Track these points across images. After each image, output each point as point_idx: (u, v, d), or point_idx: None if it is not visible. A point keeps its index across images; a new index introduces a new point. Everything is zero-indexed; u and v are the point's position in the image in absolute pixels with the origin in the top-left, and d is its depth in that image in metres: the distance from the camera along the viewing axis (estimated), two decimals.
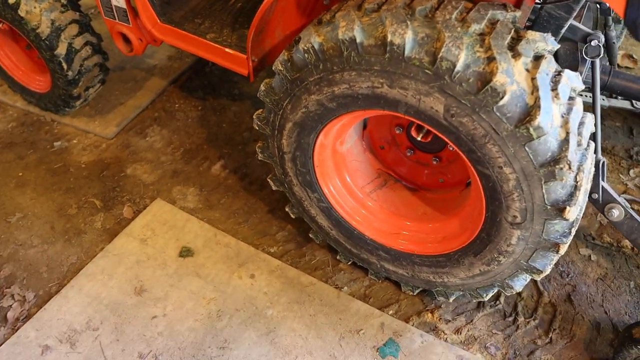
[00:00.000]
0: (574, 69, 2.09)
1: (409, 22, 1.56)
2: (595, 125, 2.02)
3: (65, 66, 2.87)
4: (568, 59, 2.11)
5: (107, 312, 2.35)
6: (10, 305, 2.41)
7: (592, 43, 1.95)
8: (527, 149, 1.55)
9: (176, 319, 2.32)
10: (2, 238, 2.68)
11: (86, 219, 2.77)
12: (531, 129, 1.50)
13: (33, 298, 2.44)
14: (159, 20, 2.58)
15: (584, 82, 2.16)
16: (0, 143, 3.20)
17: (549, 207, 1.65)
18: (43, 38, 2.76)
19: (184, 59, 3.73)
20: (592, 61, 2.04)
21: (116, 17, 2.75)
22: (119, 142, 3.19)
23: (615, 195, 2.11)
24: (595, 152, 2.03)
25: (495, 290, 2.12)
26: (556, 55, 2.11)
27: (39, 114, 3.36)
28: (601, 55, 1.96)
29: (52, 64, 2.89)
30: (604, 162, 2.08)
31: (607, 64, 2.65)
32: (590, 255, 2.59)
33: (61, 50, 2.82)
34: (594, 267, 2.55)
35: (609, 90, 2.52)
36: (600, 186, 2.10)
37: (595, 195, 2.12)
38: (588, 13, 2.23)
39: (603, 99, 2.82)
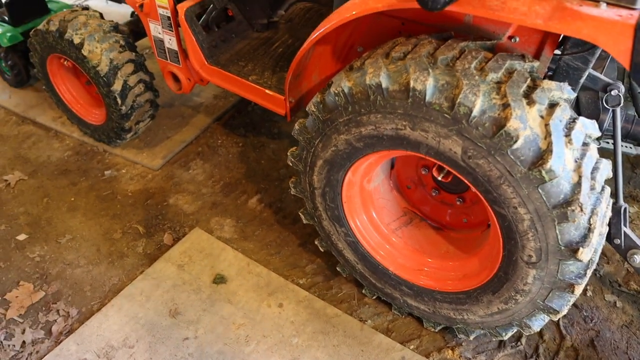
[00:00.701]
0: (596, 117, 2.17)
1: (430, 70, 1.69)
2: (616, 171, 2.08)
3: (119, 101, 3.11)
4: (590, 107, 2.19)
5: (143, 332, 2.49)
6: (55, 320, 2.58)
7: (613, 92, 2.02)
8: (540, 190, 1.63)
9: (206, 342, 2.44)
10: (52, 257, 2.88)
11: (129, 244, 2.95)
12: (543, 172, 1.59)
13: (76, 314, 2.61)
14: (206, 62, 2.79)
15: (607, 131, 2.24)
16: (57, 169, 3.45)
17: (562, 247, 1.71)
18: (102, 75, 3.02)
19: (228, 98, 3.95)
20: (613, 110, 2.11)
21: (168, 58, 2.99)
22: (164, 174, 3.39)
23: (638, 241, 2.14)
24: (617, 197, 2.09)
25: (515, 330, 2.16)
26: (578, 104, 2.20)
27: (93, 145, 3.62)
28: (621, 104, 2.03)
29: (108, 98, 3.13)
30: (626, 208, 2.12)
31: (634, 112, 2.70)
32: (615, 302, 2.59)
33: (117, 86, 3.06)
34: (619, 313, 2.55)
35: (632, 139, 2.57)
36: (622, 232, 2.14)
37: (617, 241, 2.16)
38: (612, 64, 2.31)
39: (630, 147, 2.86)
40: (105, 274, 2.80)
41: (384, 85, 1.76)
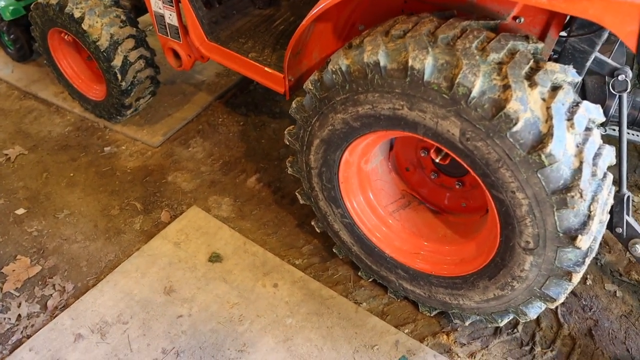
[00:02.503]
0: (602, 102, 2.12)
1: (430, 49, 1.64)
2: (620, 158, 2.04)
3: (119, 77, 3.07)
4: (596, 92, 2.14)
5: (137, 308, 2.48)
6: (51, 294, 2.58)
7: (620, 78, 1.97)
8: (539, 175, 1.59)
9: (200, 320, 2.43)
10: (50, 232, 2.88)
11: (126, 220, 2.93)
12: (543, 156, 1.55)
13: (72, 289, 2.60)
14: (206, 39, 2.74)
15: (613, 117, 2.18)
16: (57, 145, 3.43)
17: (561, 234, 1.68)
18: (102, 50, 2.98)
19: (230, 77, 3.91)
20: (619, 95, 2.06)
21: (168, 34, 2.95)
22: (163, 151, 3.37)
23: None
24: (620, 185, 2.05)
25: (511, 317, 2.14)
26: (584, 89, 2.15)
27: (94, 120, 3.59)
28: (629, 90, 1.98)
29: (108, 74, 3.10)
30: (629, 197, 2.08)
31: None
32: (615, 292, 2.56)
33: (117, 62, 3.03)
34: (618, 303, 2.52)
35: (638, 126, 2.51)
36: (625, 220, 2.10)
37: (619, 230, 2.12)
38: (621, 48, 2.25)
39: (636, 135, 2.80)
40: (102, 249, 2.79)
41: (382, 64, 1.72)
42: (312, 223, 2.59)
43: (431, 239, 2.32)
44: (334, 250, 2.60)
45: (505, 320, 2.16)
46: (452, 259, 2.20)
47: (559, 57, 1.92)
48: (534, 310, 2.02)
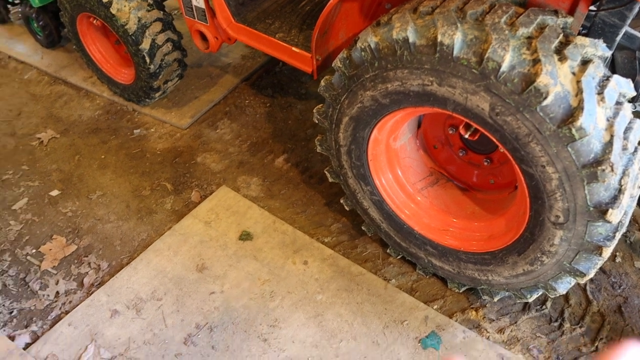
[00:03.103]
0: (632, 77, 2.10)
1: (459, 25, 1.65)
2: None
3: (148, 60, 3.12)
4: (626, 67, 2.12)
5: (171, 285, 2.55)
6: (87, 272, 2.66)
7: None
8: (569, 149, 1.59)
9: (232, 297, 2.49)
10: (84, 212, 2.96)
11: (158, 200, 3.00)
12: (573, 130, 1.55)
13: (107, 267, 2.68)
14: (233, 20, 2.77)
15: None
16: (87, 128, 3.51)
17: (591, 208, 1.68)
18: (130, 34, 3.03)
19: (256, 59, 3.94)
20: None
21: (195, 17, 2.98)
22: (192, 133, 3.42)
23: None
24: None
25: (540, 292, 2.15)
26: (614, 64, 2.13)
27: (122, 104, 3.66)
28: None
29: (137, 57, 3.15)
30: None
31: None
32: None
33: (145, 45, 3.08)
34: None
35: None
36: None
37: None
38: None
39: None
40: (135, 229, 2.86)
41: (411, 40, 1.73)
42: (341, 201, 2.62)
43: (460, 215, 2.34)
44: (362, 227, 2.64)
45: (534, 296, 2.17)
46: (481, 235, 2.22)
47: (588, 31, 1.91)
48: (564, 285, 2.03)
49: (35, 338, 2.40)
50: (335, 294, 2.48)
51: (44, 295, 2.57)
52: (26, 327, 2.46)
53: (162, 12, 3.15)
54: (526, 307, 2.42)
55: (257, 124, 3.45)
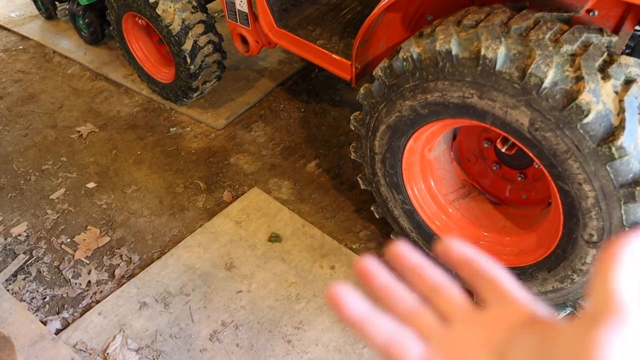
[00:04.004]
0: None
1: (503, 39, 1.67)
2: None
3: (189, 60, 3.20)
4: None
5: (199, 282, 2.60)
6: (119, 264, 2.72)
7: None
8: (608, 168, 1.60)
9: (259, 296, 2.53)
10: (118, 206, 3.03)
11: (190, 198, 3.06)
12: (613, 149, 1.55)
13: (138, 260, 2.74)
14: (275, 25, 2.82)
15: None
16: (125, 124, 3.60)
17: (627, 228, 1.68)
18: (174, 34, 3.10)
19: (292, 64, 3.99)
20: None
21: (238, 20, 3.04)
22: (226, 134, 3.48)
23: None
24: None
25: (568, 311, 2.14)
26: None
27: (160, 102, 3.74)
28: None
29: (178, 57, 3.23)
30: None
31: None
32: None
33: (187, 46, 3.15)
34: None
35: None
36: None
37: None
38: None
39: None
40: (167, 225, 2.92)
41: (454, 52, 1.75)
42: (372, 208, 2.64)
43: (490, 229, 2.34)
44: (391, 236, 2.65)
45: (563, 315, 2.16)
46: (511, 250, 2.22)
47: (632, 51, 1.91)
48: None
49: (66, 324, 2.47)
50: None
51: (76, 284, 2.64)
52: (58, 313, 2.53)
53: (205, 15, 3.22)
54: None
55: (291, 129, 3.49)
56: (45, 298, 2.59)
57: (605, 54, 1.63)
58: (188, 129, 3.54)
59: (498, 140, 2.04)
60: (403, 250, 0.54)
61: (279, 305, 2.50)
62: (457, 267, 0.53)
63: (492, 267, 0.51)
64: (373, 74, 2.09)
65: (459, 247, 0.53)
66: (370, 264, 0.54)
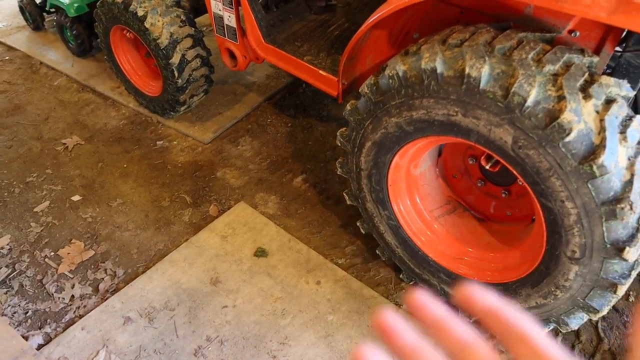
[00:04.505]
0: None
1: (487, 58, 1.70)
2: None
3: (176, 74, 3.20)
4: None
5: (184, 296, 2.58)
6: (103, 278, 2.70)
7: None
8: (589, 185, 1.62)
9: (244, 312, 2.52)
10: (103, 219, 3.01)
11: (176, 212, 3.05)
12: (594, 167, 1.58)
13: (122, 274, 2.72)
14: (263, 41, 2.84)
15: None
16: (112, 137, 3.59)
17: (608, 245, 1.70)
18: (162, 47, 3.11)
19: (280, 79, 4.02)
20: None
21: (226, 35, 3.06)
22: (213, 147, 3.48)
23: None
24: None
25: (551, 327, 2.15)
26: (636, 104, 2.16)
27: (147, 115, 3.74)
28: None
29: (166, 71, 3.23)
30: None
31: None
32: None
33: (175, 59, 3.16)
34: None
35: None
36: None
37: None
38: None
39: None
40: (152, 239, 2.91)
41: (439, 71, 1.77)
42: (358, 224, 2.65)
43: (475, 245, 2.36)
44: (377, 251, 2.66)
45: (546, 330, 2.18)
46: (496, 266, 2.23)
47: (613, 71, 1.95)
48: (576, 321, 2.04)
49: (48, 340, 2.44)
50: (347, 316, 2.50)
51: (59, 298, 2.61)
52: (40, 328, 2.49)
53: (193, 29, 3.23)
54: None
55: (278, 143, 3.50)
56: (27, 312, 2.55)
57: (587, 74, 1.66)
58: (175, 142, 3.54)
59: (482, 158, 2.06)
60: (425, 301, 0.51)
61: (265, 320, 2.49)
62: (481, 317, 0.50)
63: (521, 318, 0.48)
64: (359, 90, 2.11)
65: (483, 296, 0.50)
66: (391, 318, 0.51)
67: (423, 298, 0.52)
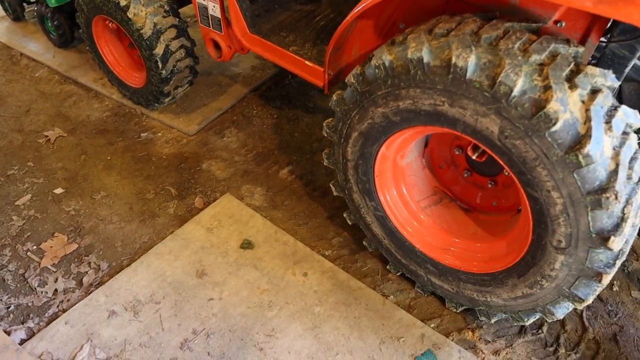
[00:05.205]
0: (639, 108, 2.13)
1: (473, 48, 1.69)
2: None
3: (160, 65, 3.16)
4: (632, 99, 2.16)
5: (170, 289, 2.56)
6: (87, 272, 2.67)
7: None
8: (575, 175, 1.62)
9: (230, 304, 2.50)
10: (87, 212, 2.97)
11: (161, 204, 3.02)
12: (580, 157, 1.58)
13: (107, 268, 2.69)
14: (248, 31, 2.81)
15: None
16: (95, 129, 3.54)
17: (593, 235, 1.71)
18: (145, 38, 3.07)
19: (265, 70, 3.99)
20: None
21: (210, 25, 3.02)
22: (198, 139, 3.45)
23: None
24: None
25: (537, 316, 2.17)
26: (621, 95, 2.17)
27: (131, 107, 3.69)
28: None
29: (149, 62, 3.19)
30: None
31: None
32: None
33: (159, 50, 3.11)
34: None
35: None
36: None
37: None
38: None
39: None
40: (137, 231, 2.87)
41: (425, 60, 1.76)
42: (344, 215, 2.64)
43: (461, 235, 2.36)
44: (364, 242, 2.66)
45: (532, 320, 2.19)
46: (482, 256, 2.24)
47: (598, 62, 1.95)
48: (562, 310, 2.05)
49: (31, 334, 2.41)
50: (334, 307, 2.49)
51: (42, 292, 2.58)
52: (22, 323, 2.46)
53: (177, 19, 3.19)
54: (522, 330, 2.43)
55: (264, 135, 3.48)
56: (9, 307, 2.52)
57: (572, 64, 1.66)
58: (159, 134, 3.50)
59: (469, 148, 2.06)
60: None
61: (251, 312, 2.47)
62: None
63: None
64: (345, 81, 2.09)
65: None
66: None
67: None
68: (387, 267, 2.62)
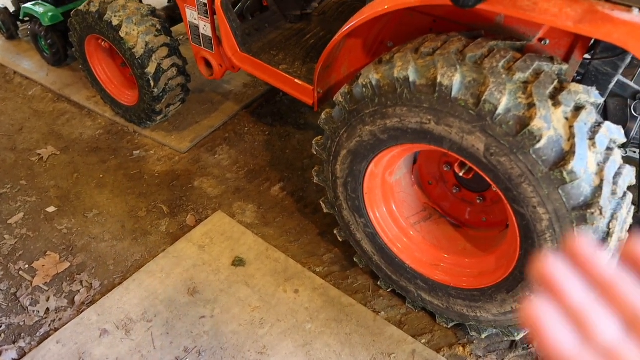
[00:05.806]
0: (623, 124, 2.16)
1: (458, 67, 1.72)
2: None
3: (152, 83, 3.18)
4: (617, 114, 2.18)
5: (162, 307, 2.56)
6: (79, 290, 2.67)
7: None
8: (560, 191, 1.64)
9: (222, 322, 2.50)
10: (79, 230, 2.98)
11: (153, 222, 3.02)
12: (565, 173, 1.60)
13: (98, 286, 2.69)
14: (239, 50, 2.84)
15: (634, 140, 2.23)
16: (88, 147, 3.55)
17: None
18: (137, 57, 3.09)
19: (257, 87, 4.01)
20: None
21: (202, 44, 3.05)
22: (190, 157, 3.47)
23: None
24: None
25: (527, 331, 2.17)
26: (606, 110, 2.20)
27: (124, 125, 3.71)
28: None
29: (142, 80, 3.21)
30: None
31: None
32: None
33: (151, 69, 3.14)
34: None
35: None
36: None
37: None
38: None
39: None
40: (129, 249, 2.88)
41: (411, 79, 1.79)
42: (335, 232, 2.65)
43: (451, 251, 2.37)
44: (354, 259, 2.67)
45: (522, 334, 2.20)
46: (472, 272, 2.25)
47: (582, 78, 1.98)
48: None
49: (23, 354, 2.40)
50: (325, 324, 2.50)
51: (33, 312, 2.57)
52: (14, 342, 2.45)
53: (169, 38, 3.22)
54: (513, 345, 2.44)
55: (255, 152, 3.50)
56: (0, 327, 2.51)
57: (556, 81, 1.68)
58: (151, 152, 3.51)
59: (456, 165, 2.08)
60: (590, 253, 0.47)
61: (243, 330, 2.47)
62: None
63: None
64: (334, 99, 2.12)
65: None
66: (558, 269, 0.46)
67: (589, 249, 0.47)
68: (378, 283, 2.63)
